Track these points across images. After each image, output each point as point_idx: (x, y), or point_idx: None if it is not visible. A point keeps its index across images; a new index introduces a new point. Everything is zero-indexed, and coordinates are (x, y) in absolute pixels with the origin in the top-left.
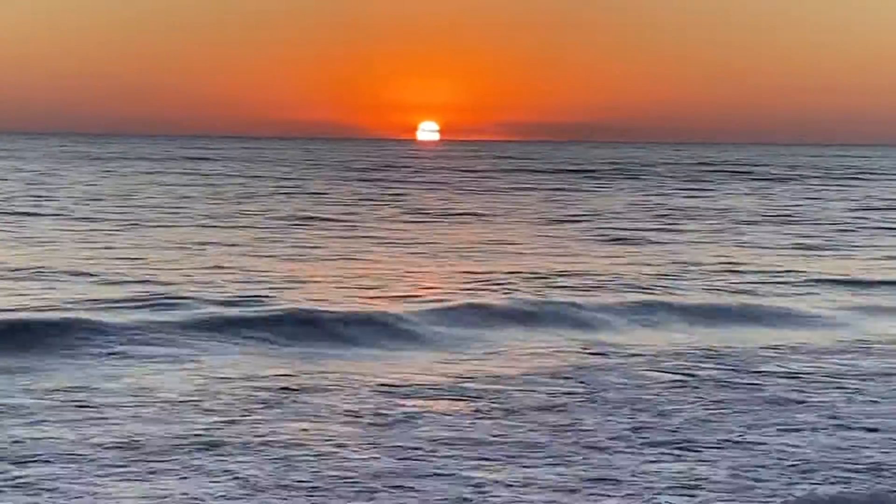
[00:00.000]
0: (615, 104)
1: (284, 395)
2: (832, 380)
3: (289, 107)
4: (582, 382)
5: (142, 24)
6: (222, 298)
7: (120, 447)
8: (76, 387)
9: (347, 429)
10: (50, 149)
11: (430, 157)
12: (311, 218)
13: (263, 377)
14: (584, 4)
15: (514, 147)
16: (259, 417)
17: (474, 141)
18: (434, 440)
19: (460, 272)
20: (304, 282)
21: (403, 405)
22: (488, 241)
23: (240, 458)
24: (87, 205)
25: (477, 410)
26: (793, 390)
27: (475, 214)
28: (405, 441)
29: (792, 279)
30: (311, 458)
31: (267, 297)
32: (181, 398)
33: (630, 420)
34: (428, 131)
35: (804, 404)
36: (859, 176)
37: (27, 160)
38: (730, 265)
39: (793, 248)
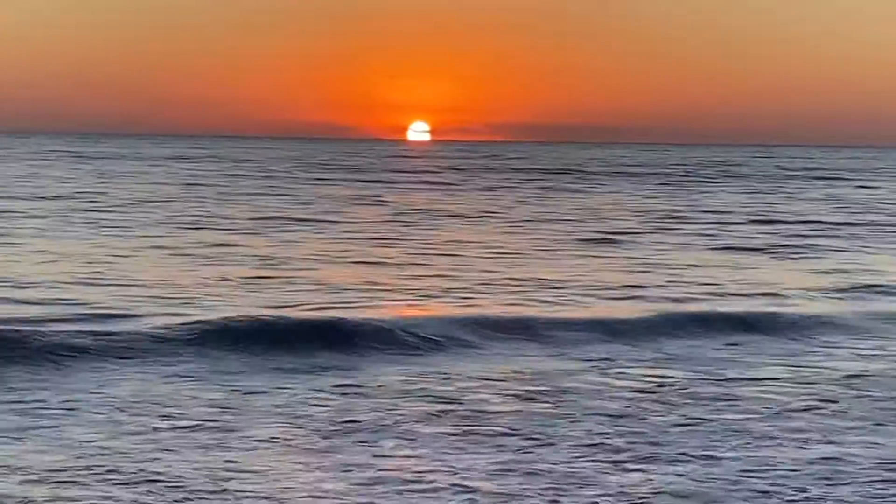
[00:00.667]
0: (608, 105)
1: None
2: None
3: (278, 106)
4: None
5: (130, 24)
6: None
7: None
8: None
9: None
10: (28, 148)
11: (412, 157)
12: (271, 218)
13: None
14: (576, 6)
15: (502, 148)
16: None
17: (465, 141)
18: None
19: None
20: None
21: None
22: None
23: None
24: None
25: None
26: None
27: (449, 214)
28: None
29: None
30: None
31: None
32: None
33: (591, 430)
34: (419, 132)
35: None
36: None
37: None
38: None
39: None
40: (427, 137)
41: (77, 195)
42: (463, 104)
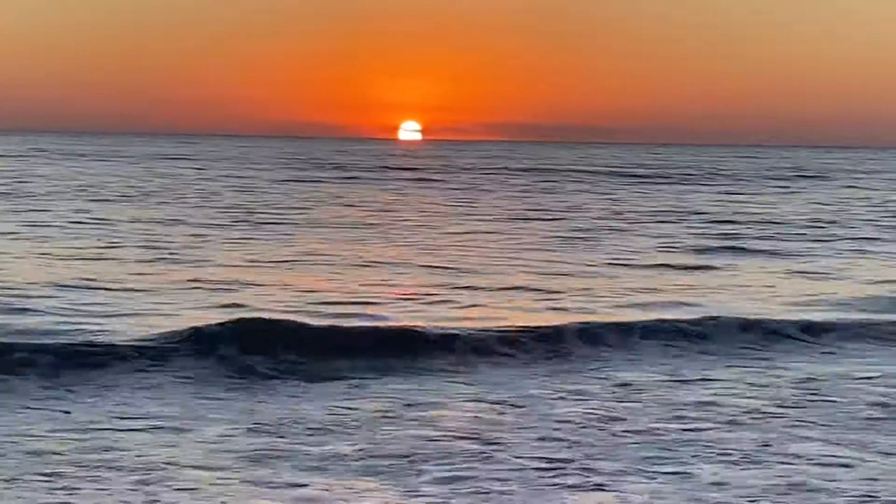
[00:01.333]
0: (602, 106)
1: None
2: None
3: (270, 106)
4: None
5: (126, 24)
6: None
7: None
8: None
9: None
10: (10, 146)
11: (398, 155)
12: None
13: None
14: (569, 6)
15: (488, 147)
16: None
17: (456, 141)
18: None
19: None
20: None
21: None
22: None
23: None
24: None
25: None
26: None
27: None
28: None
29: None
30: None
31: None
32: None
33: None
34: (410, 131)
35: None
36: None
37: None
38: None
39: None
40: (418, 137)
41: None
42: (455, 103)
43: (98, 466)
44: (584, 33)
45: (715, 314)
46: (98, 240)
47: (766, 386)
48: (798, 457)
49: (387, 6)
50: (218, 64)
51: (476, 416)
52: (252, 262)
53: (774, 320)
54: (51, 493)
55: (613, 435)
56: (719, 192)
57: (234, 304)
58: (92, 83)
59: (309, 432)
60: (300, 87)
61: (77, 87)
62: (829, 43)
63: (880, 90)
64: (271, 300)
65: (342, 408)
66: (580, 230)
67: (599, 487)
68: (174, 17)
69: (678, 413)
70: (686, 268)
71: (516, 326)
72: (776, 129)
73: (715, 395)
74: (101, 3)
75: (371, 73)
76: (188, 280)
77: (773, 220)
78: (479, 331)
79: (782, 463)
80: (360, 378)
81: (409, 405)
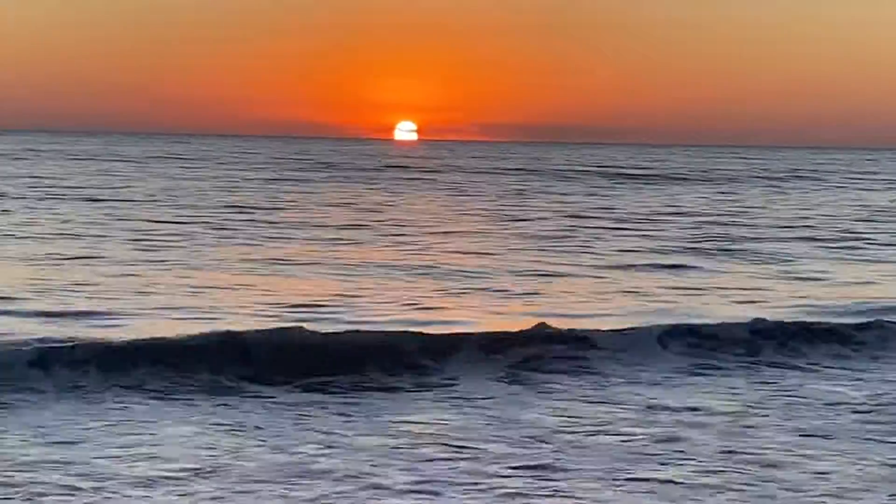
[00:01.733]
0: (600, 106)
1: None
2: None
3: (265, 105)
4: None
5: (119, 22)
6: None
7: None
8: None
9: None
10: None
11: (389, 156)
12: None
13: None
14: (565, 6)
15: (485, 148)
16: None
17: (451, 141)
18: None
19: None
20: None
21: None
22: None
23: None
24: None
25: None
26: None
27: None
28: None
29: None
30: None
31: None
32: None
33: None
34: (405, 131)
35: None
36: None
37: None
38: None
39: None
40: (414, 137)
41: None
42: (452, 104)
43: None
44: (581, 34)
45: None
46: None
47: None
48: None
49: (383, 6)
50: (212, 64)
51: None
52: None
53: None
54: None
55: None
56: (717, 193)
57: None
58: (88, 82)
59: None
60: (295, 86)
61: (74, 86)
62: (828, 44)
63: (878, 91)
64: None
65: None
66: (564, 230)
67: (568, 495)
68: (156, 16)
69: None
70: (666, 266)
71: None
72: (784, 130)
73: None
74: (99, 3)
75: (367, 73)
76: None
77: (759, 224)
78: (446, 335)
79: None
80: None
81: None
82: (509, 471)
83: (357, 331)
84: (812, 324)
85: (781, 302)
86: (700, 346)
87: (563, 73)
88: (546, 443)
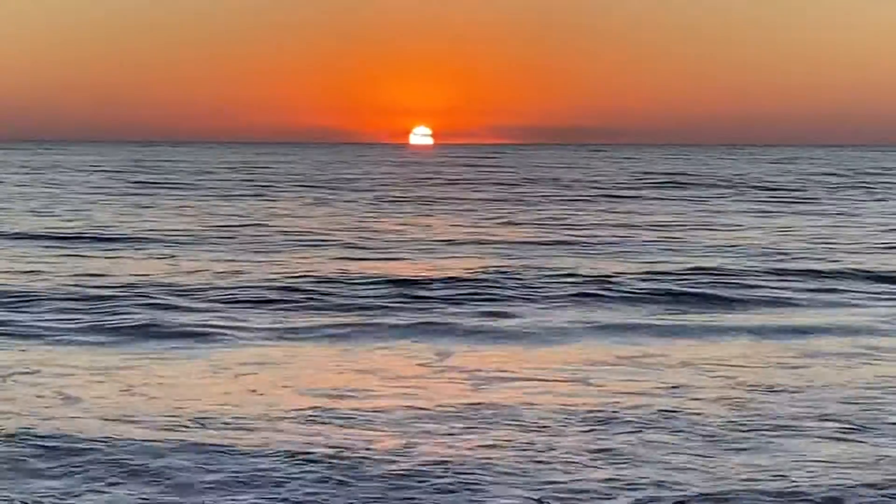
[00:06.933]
0: (610, 107)
1: None
2: None
3: (281, 111)
4: None
5: (133, 30)
6: None
7: None
8: None
9: None
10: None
11: (393, 162)
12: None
13: None
14: (579, 9)
15: (500, 151)
16: None
17: (469, 145)
18: None
19: None
20: None
21: None
22: None
23: None
24: None
25: None
26: None
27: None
28: None
29: None
30: None
31: None
32: None
33: None
34: (421, 135)
35: None
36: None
37: None
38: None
39: None
40: (430, 142)
41: None
42: (462, 106)
43: None
44: (597, 36)
45: None
46: None
47: None
48: None
49: (390, 11)
50: (221, 68)
51: None
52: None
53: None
54: None
55: None
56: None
57: None
58: (91, 88)
59: None
60: (305, 92)
61: (73, 94)
62: (827, 46)
63: (880, 90)
64: None
65: None
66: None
67: None
68: (171, 23)
69: None
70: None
71: None
72: (802, 130)
73: None
74: (101, 9)
75: (378, 77)
76: None
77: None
78: None
79: None
80: None
81: None
82: None
83: None
84: None
85: None
86: None
87: (578, 75)
88: None
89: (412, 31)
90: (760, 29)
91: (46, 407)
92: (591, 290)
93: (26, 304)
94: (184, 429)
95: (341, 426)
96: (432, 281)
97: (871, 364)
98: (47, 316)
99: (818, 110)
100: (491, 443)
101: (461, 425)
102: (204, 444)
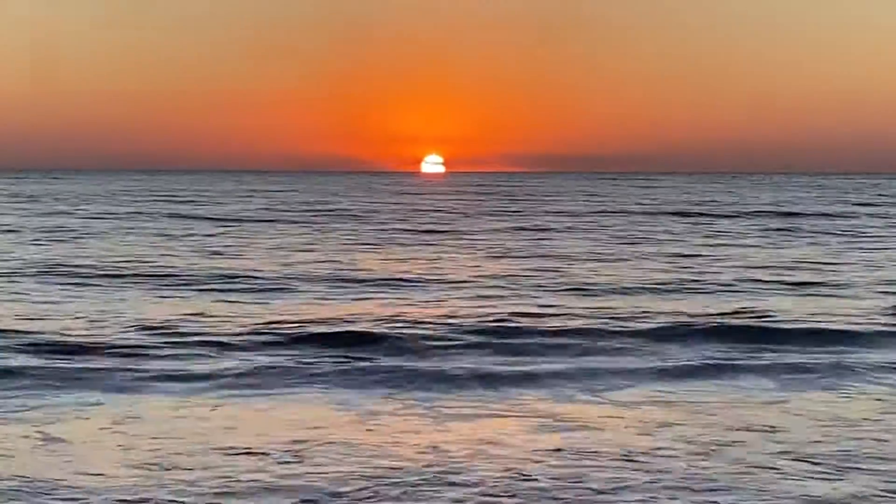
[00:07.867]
0: (623, 135)
1: None
2: None
3: (291, 139)
4: None
5: (141, 59)
6: None
7: None
8: None
9: None
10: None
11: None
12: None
13: None
14: (592, 36)
15: (511, 179)
16: None
17: (482, 172)
18: None
19: None
20: None
21: None
22: None
23: None
24: None
25: None
26: None
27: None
28: None
29: None
30: None
31: None
32: None
33: None
34: (432, 164)
35: None
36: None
37: None
38: None
39: None
40: (441, 170)
41: None
42: (472, 135)
43: None
44: (608, 64)
45: None
46: None
47: None
48: None
49: (401, 39)
50: (229, 97)
51: None
52: None
53: None
54: None
55: None
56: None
57: None
58: (95, 118)
59: None
60: (316, 120)
61: (79, 123)
62: (825, 75)
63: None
64: None
65: None
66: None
67: None
68: (179, 50)
69: None
70: None
71: None
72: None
73: None
74: (111, 35)
75: (389, 106)
76: None
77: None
78: None
79: None
80: None
81: None
82: None
83: None
84: None
85: None
86: None
87: (590, 103)
88: None
89: (424, 59)
90: (774, 64)
91: None
92: None
93: None
94: None
95: None
96: None
97: None
98: None
99: (843, 138)
100: None
101: None
102: None
